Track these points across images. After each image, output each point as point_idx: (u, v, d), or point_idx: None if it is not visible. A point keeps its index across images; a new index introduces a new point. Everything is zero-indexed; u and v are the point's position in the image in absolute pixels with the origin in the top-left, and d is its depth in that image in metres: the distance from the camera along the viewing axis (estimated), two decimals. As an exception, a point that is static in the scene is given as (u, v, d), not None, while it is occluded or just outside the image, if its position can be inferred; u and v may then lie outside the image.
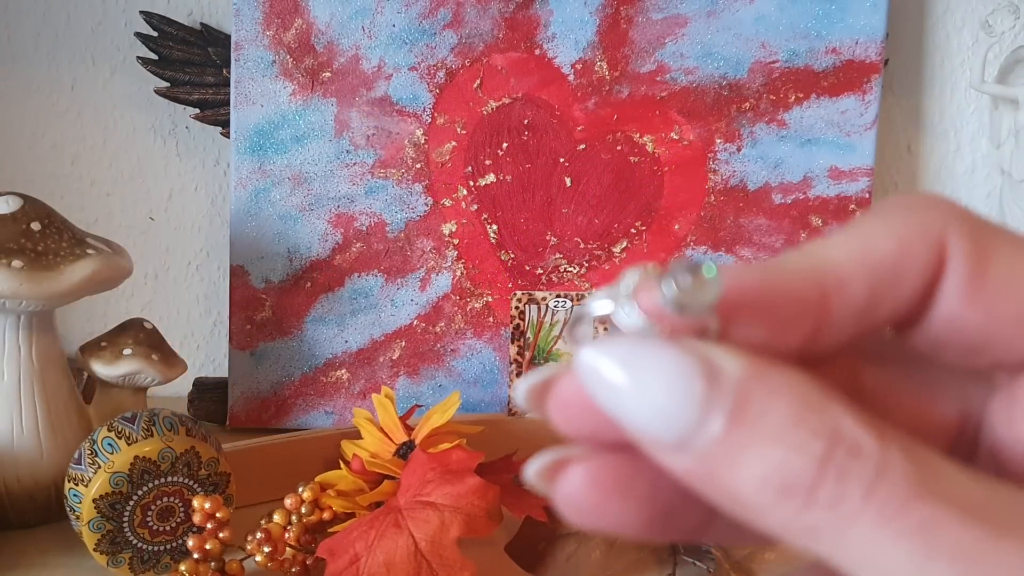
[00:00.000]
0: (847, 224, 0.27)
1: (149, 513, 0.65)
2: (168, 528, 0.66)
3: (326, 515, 0.66)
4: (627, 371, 0.23)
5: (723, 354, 0.24)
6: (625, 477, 0.26)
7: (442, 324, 0.89)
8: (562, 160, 0.89)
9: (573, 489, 0.26)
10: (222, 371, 0.89)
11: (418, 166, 0.88)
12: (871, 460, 0.22)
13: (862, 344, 0.28)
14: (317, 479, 0.68)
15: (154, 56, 0.90)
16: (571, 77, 0.88)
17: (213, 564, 0.62)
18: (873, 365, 0.28)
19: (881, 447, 0.22)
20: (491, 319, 0.90)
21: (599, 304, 0.25)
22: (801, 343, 0.26)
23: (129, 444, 0.64)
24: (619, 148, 0.89)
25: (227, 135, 0.88)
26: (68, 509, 0.66)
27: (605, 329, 0.26)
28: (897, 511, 0.22)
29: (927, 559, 0.22)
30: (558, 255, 0.90)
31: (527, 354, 0.87)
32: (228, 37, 0.87)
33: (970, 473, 0.23)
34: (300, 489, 0.66)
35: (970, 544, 0.22)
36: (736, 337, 0.25)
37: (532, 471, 0.26)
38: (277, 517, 0.65)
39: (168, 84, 0.90)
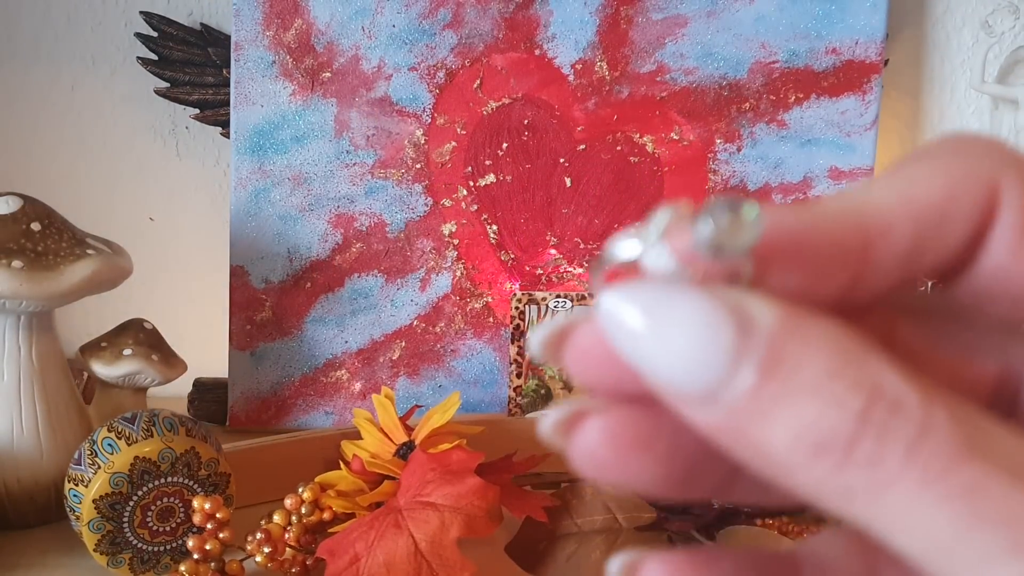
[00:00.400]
0: (892, 166, 0.26)
1: (149, 513, 0.65)
2: (168, 528, 0.65)
3: (326, 515, 0.65)
4: (651, 318, 0.22)
5: (756, 302, 0.22)
6: (645, 431, 0.24)
7: (442, 324, 0.89)
8: (562, 160, 0.89)
9: (590, 443, 0.24)
10: (222, 371, 0.89)
11: (418, 166, 0.88)
12: (914, 418, 0.21)
13: (900, 297, 0.26)
14: (317, 479, 0.68)
15: (154, 56, 0.90)
16: (571, 77, 0.88)
17: (213, 564, 0.62)
18: (910, 319, 0.27)
19: (924, 404, 0.21)
20: (491, 319, 0.89)
21: (626, 245, 0.23)
22: (840, 292, 0.24)
23: (129, 444, 0.64)
24: (619, 148, 0.89)
25: (227, 135, 0.88)
26: (68, 509, 0.66)
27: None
28: (941, 473, 0.20)
29: (972, 525, 0.20)
30: (558, 255, 0.90)
31: (527, 354, 0.87)
32: (228, 37, 0.87)
33: (1019, 434, 0.22)
34: (300, 489, 0.66)
35: (1021, 509, 0.20)
36: (771, 284, 0.23)
37: (548, 424, 0.25)
38: (277, 517, 0.65)
39: (168, 84, 0.90)
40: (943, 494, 0.20)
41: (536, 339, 0.24)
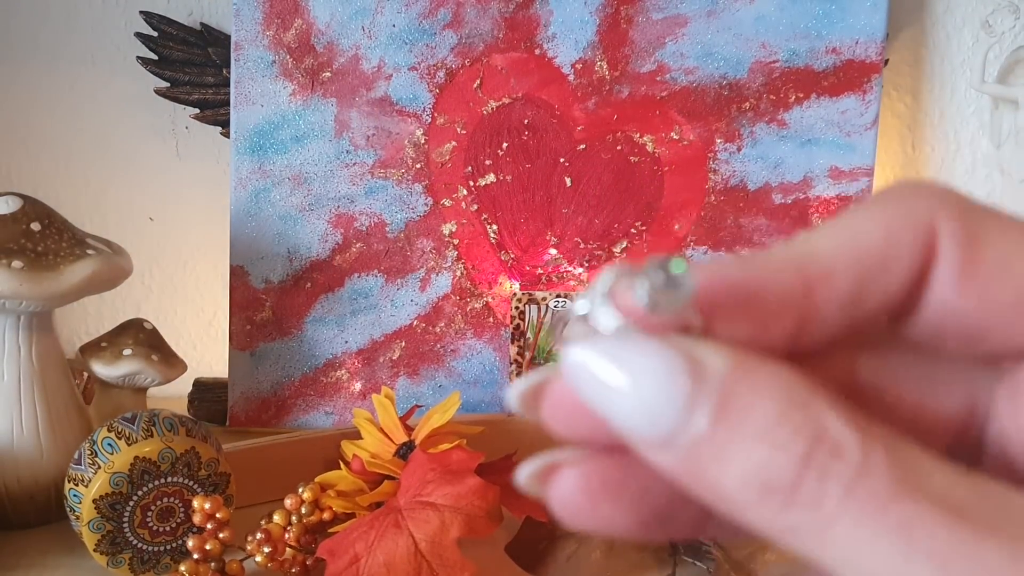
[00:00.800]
0: (836, 216, 0.27)
1: (149, 513, 0.65)
2: (168, 528, 0.65)
3: (326, 515, 0.65)
4: (612, 368, 0.23)
5: (708, 349, 0.23)
6: (616, 479, 0.26)
7: (442, 324, 0.89)
8: (562, 160, 0.89)
9: (565, 492, 0.26)
10: (222, 371, 0.89)
11: (418, 166, 0.88)
12: (853, 460, 0.22)
13: (860, 337, 0.27)
14: (317, 479, 0.68)
15: (154, 56, 0.90)
16: (571, 77, 0.88)
17: (213, 564, 0.62)
18: (873, 359, 0.28)
19: (863, 446, 0.22)
20: (491, 319, 0.89)
21: (578, 304, 0.25)
22: (788, 336, 0.25)
23: (129, 444, 0.64)
24: (619, 148, 0.89)
25: (227, 135, 0.88)
26: (68, 509, 0.66)
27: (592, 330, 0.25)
28: (877, 510, 0.22)
29: (907, 558, 0.21)
30: (558, 255, 0.90)
31: (527, 354, 0.87)
32: (228, 37, 0.87)
33: (957, 471, 0.23)
34: (300, 489, 0.66)
35: (950, 543, 0.21)
36: (721, 332, 0.25)
37: (524, 475, 0.26)
38: (277, 517, 0.65)
39: (168, 84, 0.90)
40: (879, 530, 0.22)
41: (514, 393, 0.26)
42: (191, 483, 0.65)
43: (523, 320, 0.87)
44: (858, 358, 0.28)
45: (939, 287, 0.26)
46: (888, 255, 0.26)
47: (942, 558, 0.21)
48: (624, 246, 0.90)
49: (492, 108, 0.88)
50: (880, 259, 0.26)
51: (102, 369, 0.75)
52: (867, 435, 0.22)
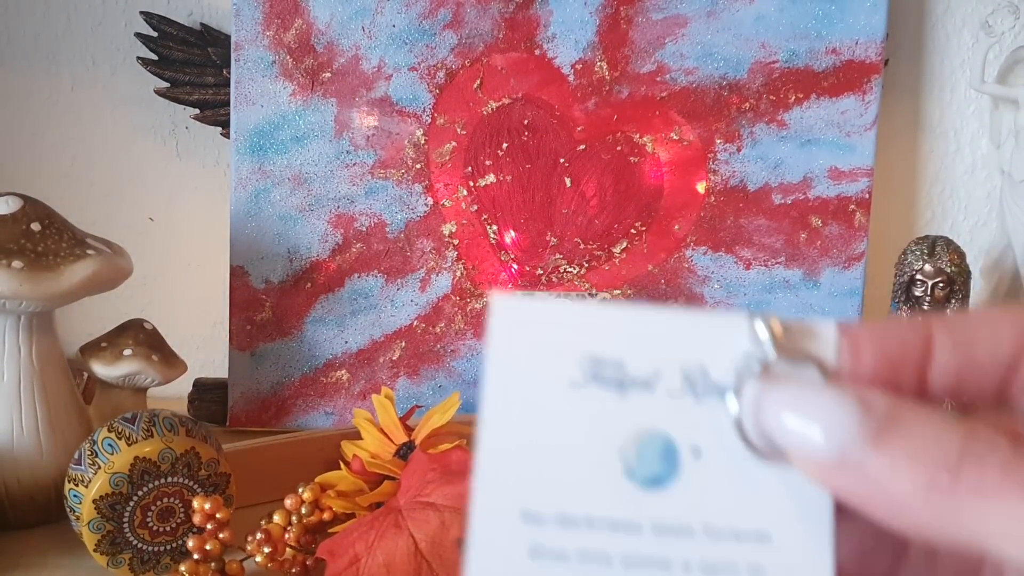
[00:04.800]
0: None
1: (149, 514, 0.65)
2: (168, 529, 0.65)
3: (326, 516, 0.65)
4: (798, 408, 0.29)
5: (874, 392, 0.28)
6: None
7: (442, 325, 0.89)
8: (562, 160, 0.89)
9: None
10: (222, 372, 0.89)
11: (418, 166, 0.87)
12: (1005, 448, 0.26)
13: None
14: (317, 480, 0.67)
15: (154, 56, 0.90)
16: (571, 77, 0.88)
17: (213, 565, 0.61)
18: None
19: (1013, 443, 0.26)
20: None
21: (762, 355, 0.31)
22: (919, 373, 0.30)
23: (129, 445, 0.64)
24: (619, 148, 0.89)
25: (227, 135, 0.88)
26: (68, 510, 0.66)
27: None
28: None
29: None
30: (558, 255, 0.90)
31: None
32: (228, 37, 0.87)
33: None
34: (300, 490, 0.66)
35: None
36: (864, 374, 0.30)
37: None
38: (277, 518, 0.65)
39: (168, 84, 0.90)
40: None
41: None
42: (191, 483, 0.65)
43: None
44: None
45: None
46: (997, 319, 0.31)
47: None
48: (624, 246, 0.90)
49: (492, 108, 0.88)
50: (990, 320, 0.31)
51: (102, 369, 0.74)
52: (1016, 438, 0.27)
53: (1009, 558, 0.26)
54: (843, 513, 0.31)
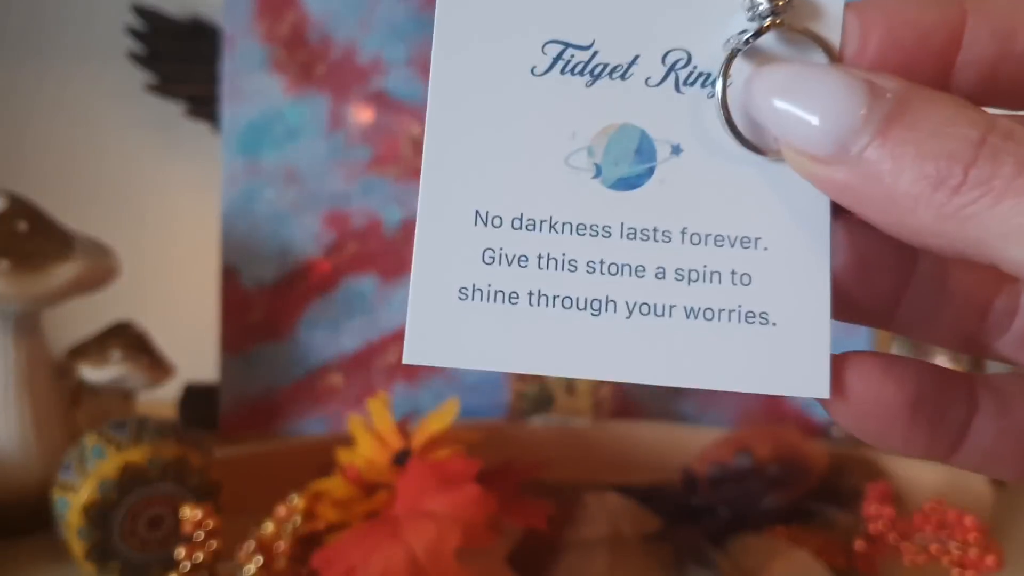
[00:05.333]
0: None
1: (138, 522, 0.64)
2: (158, 537, 0.65)
3: (320, 524, 0.64)
4: (794, 88, 0.26)
5: (884, 76, 0.25)
6: None
7: (440, 326, 0.88)
8: (562, 158, 0.87)
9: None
10: (213, 375, 0.88)
11: (416, 163, 0.86)
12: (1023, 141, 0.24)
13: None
14: (311, 487, 0.66)
15: (144, 51, 0.89)
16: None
17: (204, 574, 0.61)
18: None
19: None
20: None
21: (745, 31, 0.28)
22: (942, 65, 0.27)
23: (118, 451, 0.63)
24: (620, 146, 0.88)
25: (218, 131, 0.87)
26: (56, 517, 0.65)
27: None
28: None
29: None
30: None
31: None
32: (219, 31, 0.86)
33: None
34: (293, 498, 0.65)
35: None
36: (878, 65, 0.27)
37: None
38: (269, 526, 0.64)
39: (158, 79, 0.89)
40: None
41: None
42: (181, 491, 0.64)
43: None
44: None
45: None
46: None
47: None
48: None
49: (490, 105, 0.87)
50: None
51: (90, 373, 0.74)
52: None
53: (1015, 262, 0.24)
54: (842, 218, 0.29)
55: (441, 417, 0.68)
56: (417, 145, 0.86)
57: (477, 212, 0.29)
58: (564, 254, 0.28)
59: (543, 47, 0.29)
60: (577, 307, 0.28)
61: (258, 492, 0.69)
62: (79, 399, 0.77)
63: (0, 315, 0.69)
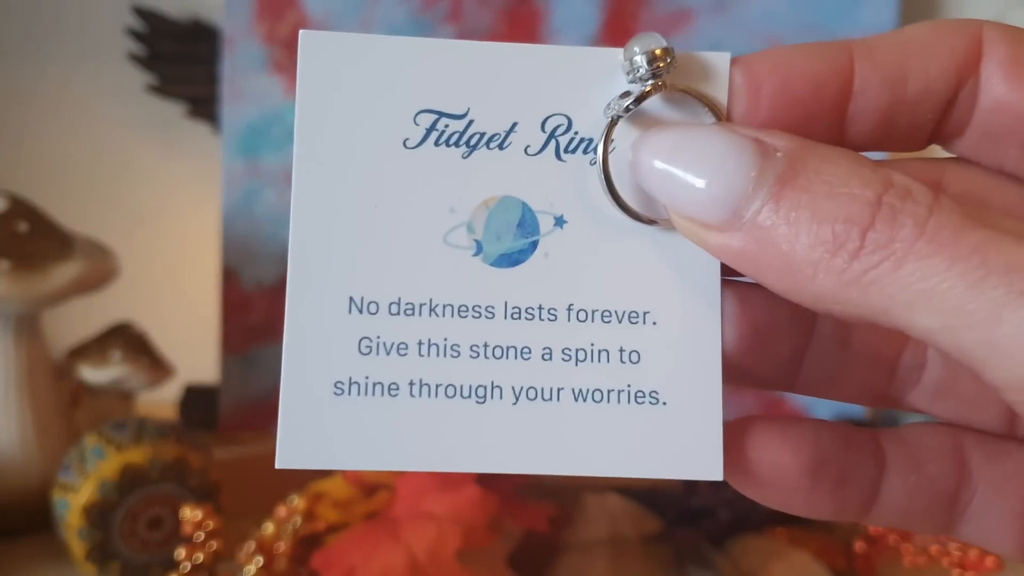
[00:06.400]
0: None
1: (138, 522, 0.64)
2: (158, 538, 0.65)
3: (320, 525, 0.64)
4: (680, 152, 0.25)
5: (774, 133, 0.24)
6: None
7: (440, 327, 0.88)
8: (562, 159, 0.87)
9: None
10: (213, 376, 0.88)
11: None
12: (923, 200, 0.23)
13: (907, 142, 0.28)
14: (311, 488, 0.66)
15: (145, 52, 0.89)
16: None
17: (204, 575, 0.61)
18: (958, 171, 0.29)
19: (931, 192, 0.23)
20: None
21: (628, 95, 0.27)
22: (834, 123, 0.27)
23: (118, 451, 0.63)
24: (621, 147, 0.88)
25: (219, 132, 0.87)
26: (56, 518, 0.65)
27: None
28: (949, 239, 0.22)
29: (982, 278, 0.21)
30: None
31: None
32: (219, 32, 0.86)
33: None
34: (293, 498, 0.65)
35: None
36: (771, 122, 0.26)
37: None
38: (269, 527, 0.64)
39: (159, 80, 0.89)
40: (951, 257, 0.22)
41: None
42: (181, 491, 0.64)
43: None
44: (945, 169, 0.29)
45: (988, 85, 0.26)
46: (932, 43, 0.26)
47: (1019, 270, 0.21)
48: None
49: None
50: (922, 44, 0.26)
51: (90, 373, 0.74)
52: (934, 188, 0.23)
53: (922, 329, 0.22)
54: (734, 284, 0.28)
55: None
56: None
57: (351, 299, 0.27)
58: (446, 339, 0.27)
59: (415, 117, 0.27)
60: (461, 395, 0.27)
61: (258, 493, 0.69)
62: (79, 400, 0.77)
63: (0, 316, 0.69)
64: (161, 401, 0.86)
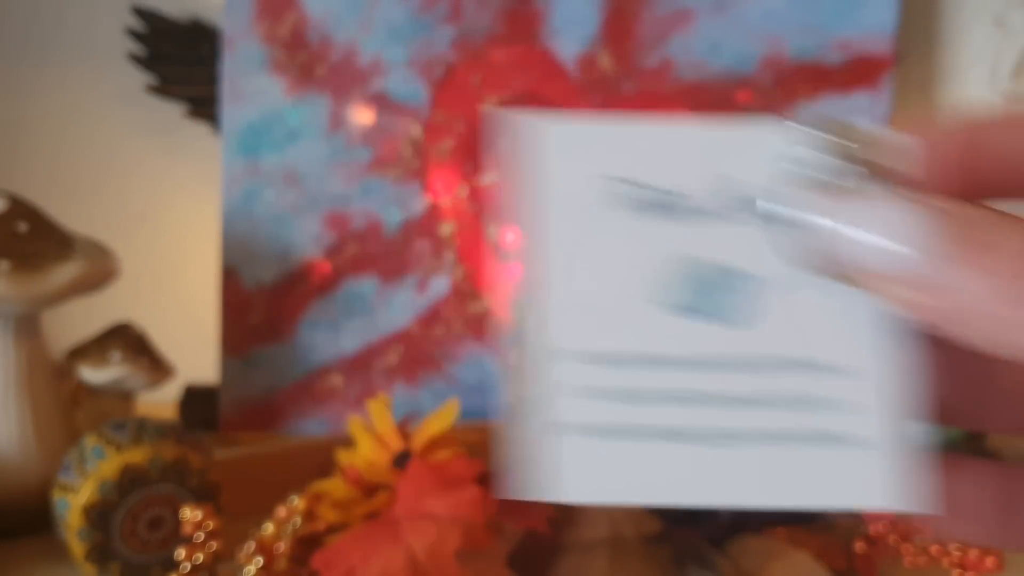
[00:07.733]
0: None
1: (138, 522, 0.64)
2: (158, 538, 0.65)
3: (320, 525, 0.64)
4: (870, 218, 0.27)
5: (949, 201, 0.26)
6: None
7: (441, 328, 0.88)
8: (563, 159, 0.87)
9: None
10: (213, 376, 0.88)
11: (416, 164, 0.86)
12: None
13: None
14: (311, 488, 0.66)
15: (145, 52, 0.89)
16: (574, 72, 0.87)
17: (204, 575, 0.61)
18: None
19: None
20: (492, 323, 0.88)
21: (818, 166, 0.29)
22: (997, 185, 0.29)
23: (118, 452, 0.63)
24: (621, 147, 0.88)
25: (219, 132, 0.87)
26: (56, 518, 0.65)
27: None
28: None
29: None
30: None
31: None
32: (219, 32, 0.86)
33: None
34: (293, 499, 0.64)
35: None
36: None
37: None
38: (269, 527, 0.64)
39: (159, 81, 0.89)
40: None
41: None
42: (181, 491, 0.64)
43: (523, 323, 0.85)
44: None
45: None
46: None
47: None
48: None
49: (492, 104, 0.87)
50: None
51: (89, 374, 0.74)
52: None
53: None
54: (923, 338, 0.30)
55: (441, 418, 0.68)
56: (416, 146, 0.86)
57: (584, 353, 0.30)
58: (667, 388, 0.30)
59: (624, 189, 0.30)
60: (679, 438, 0.30)
61: (258, 493, 0.69)
62: (79, 400, 0.77)
63: (0, 316, 0.69)
64: (161, 401, 0.86)
